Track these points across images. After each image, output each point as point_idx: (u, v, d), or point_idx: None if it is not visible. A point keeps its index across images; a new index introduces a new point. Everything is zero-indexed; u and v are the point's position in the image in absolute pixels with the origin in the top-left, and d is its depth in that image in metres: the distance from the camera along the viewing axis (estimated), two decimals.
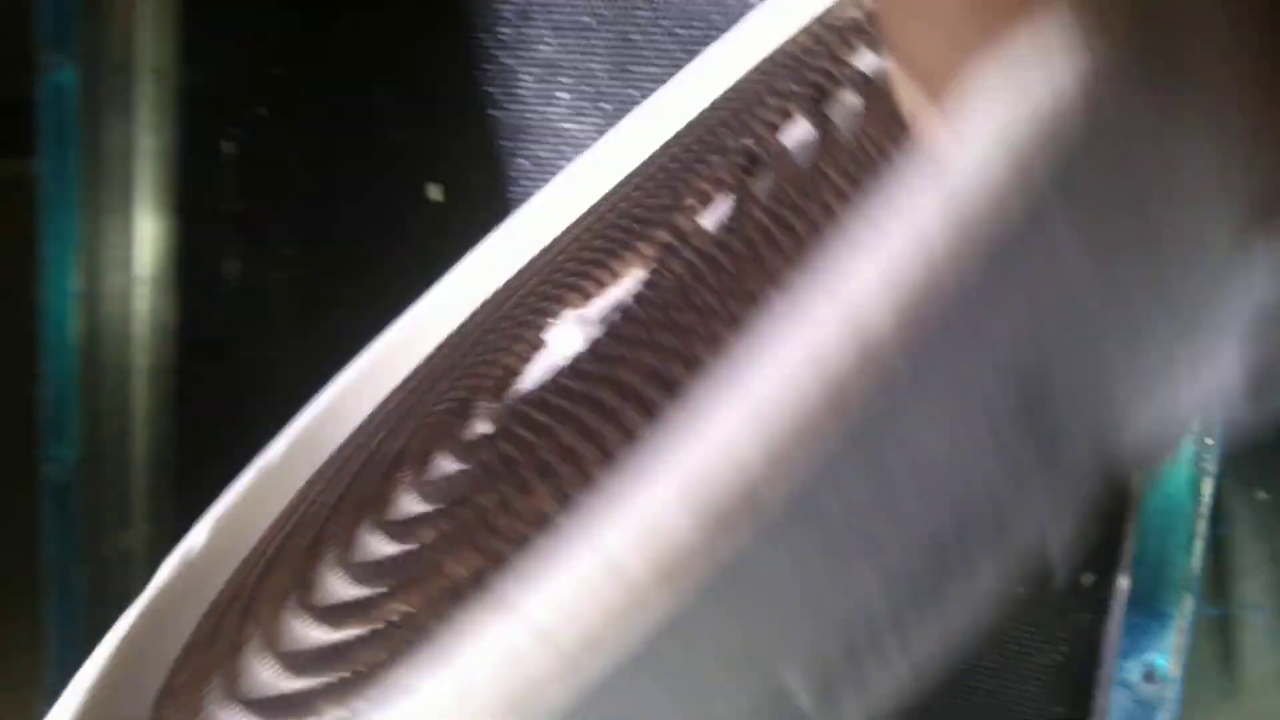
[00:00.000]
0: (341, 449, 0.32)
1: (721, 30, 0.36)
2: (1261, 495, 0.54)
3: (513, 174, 0.49)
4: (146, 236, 0.60)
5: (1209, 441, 0.37)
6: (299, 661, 0.23)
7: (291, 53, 0.54)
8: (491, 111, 0.49)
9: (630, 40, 0.45)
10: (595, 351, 0.25)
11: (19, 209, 0.57)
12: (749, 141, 0.27)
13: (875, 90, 0.24)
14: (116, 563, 0.60)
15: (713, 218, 0.26)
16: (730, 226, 0.24)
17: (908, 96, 0.15)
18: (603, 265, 0.28)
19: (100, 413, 0.59)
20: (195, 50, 0.58)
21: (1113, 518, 0.42)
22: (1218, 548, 0.54)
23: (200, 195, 0.59)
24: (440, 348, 0.34)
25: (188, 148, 0.59)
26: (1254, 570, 0.54)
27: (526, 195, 0.41)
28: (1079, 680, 0.44)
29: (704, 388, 0.12)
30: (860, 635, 0.12)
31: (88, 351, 0.58)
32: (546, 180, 0.38)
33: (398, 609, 0.21)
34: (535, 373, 0.26)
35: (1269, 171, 0.12)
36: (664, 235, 0.26)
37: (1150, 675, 0.39)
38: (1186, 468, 0.38)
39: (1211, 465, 0.37)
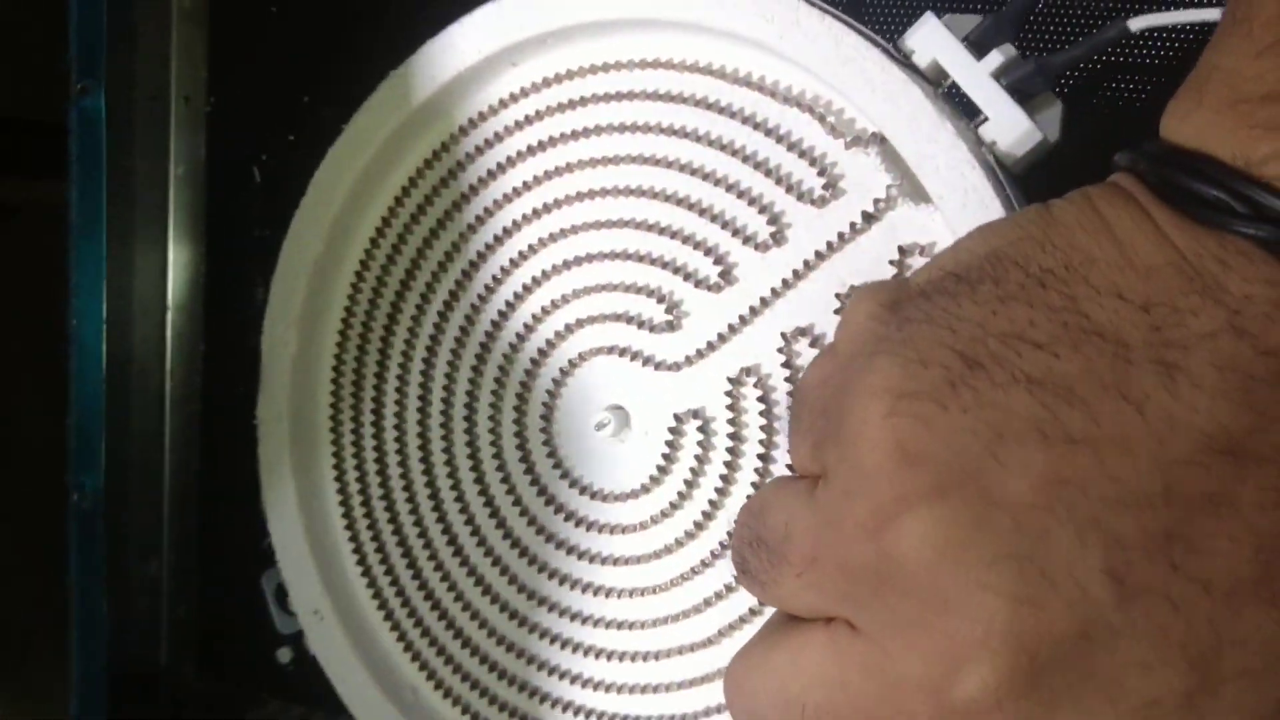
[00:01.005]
0: None
1: None
2: None
3: None
4: (176, 263, 0.60)
5: None
6: None
7: (319, 81, 0.54)
8: None
9: None
10: None
11: (56, 232, 0.57)
12: None
13: None
14: (142, 590, 0.60)
15: None
16: None
17: None
18: None
19: (125, 441, 0.59)
20: (225, 78, 0.59)
21: None
22: None
23: (230, 222, 0.59)
24: None
25: (218, 174, 0.59)
26: None
27: None
28: None
29: None
30: None
31: (115, 378, 0.58)
32: None
33: None
34: None
35: None
36: None
37: None
38: None
39: None
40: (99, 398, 0.57)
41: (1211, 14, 0.35)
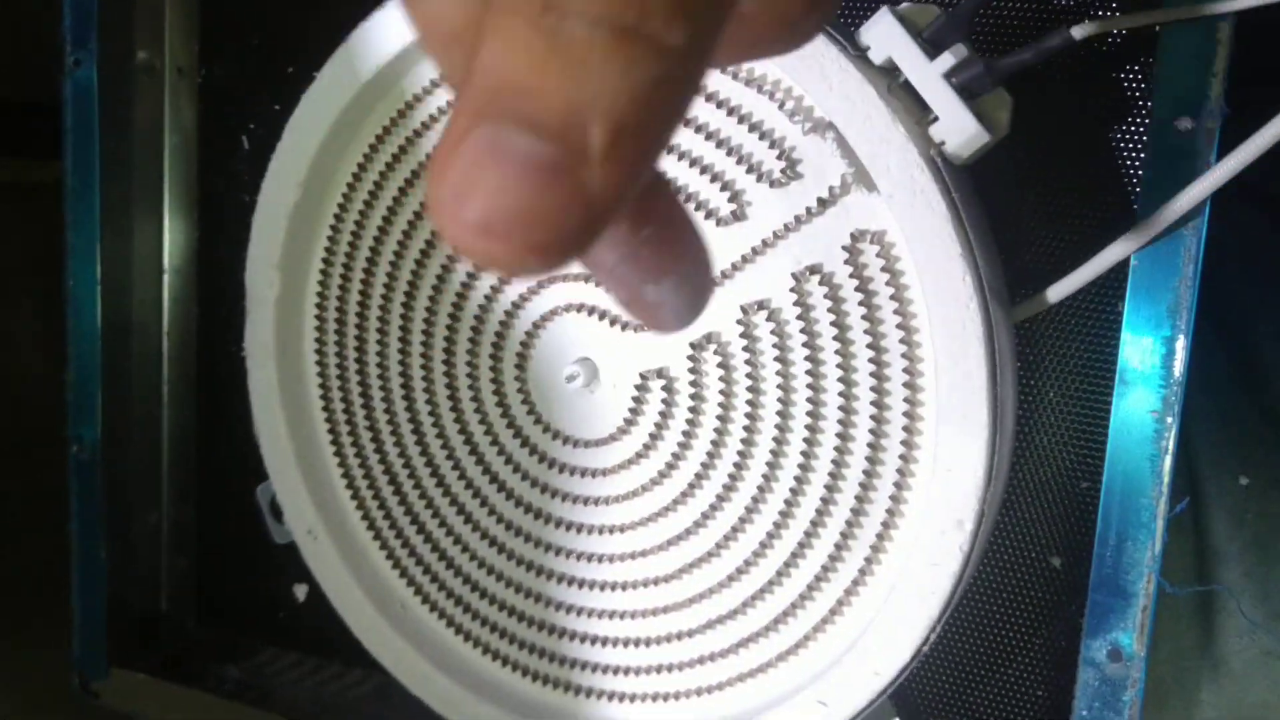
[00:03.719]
0: None
1: None
2: (1243, 480, 0.54)
3: None
4: (172, 228, 0.62)
5: (1169, 420, 0.38)
6: None
7: (303, 53, 0.56)
8: None
9: None
10: None
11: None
12: None
13: None
14: (140, 541, 0.63)
15: None
16: None
17: None
18: None
19: (125, 397, 0.61)
20: (215, 51, 0.60)
21: (1083, 500, 0.44)
22: (1199, 532, 0.54)
23: (220, 188, 0.61)
24: None
25: (208, 142, 0.61)
26: (1236, 555, 0.55)
27: None
28: (1057, 662, 0.45)
29: None
30: None
31: (113, 338, 0.60)
32: None
33: None
34: None
35: None
36: None
37: (1115, 654, 0.39)
38: (1146, 446, 0.38)
39: (1170, 444, 0.37)
40: (95, 354, 0.59)
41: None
